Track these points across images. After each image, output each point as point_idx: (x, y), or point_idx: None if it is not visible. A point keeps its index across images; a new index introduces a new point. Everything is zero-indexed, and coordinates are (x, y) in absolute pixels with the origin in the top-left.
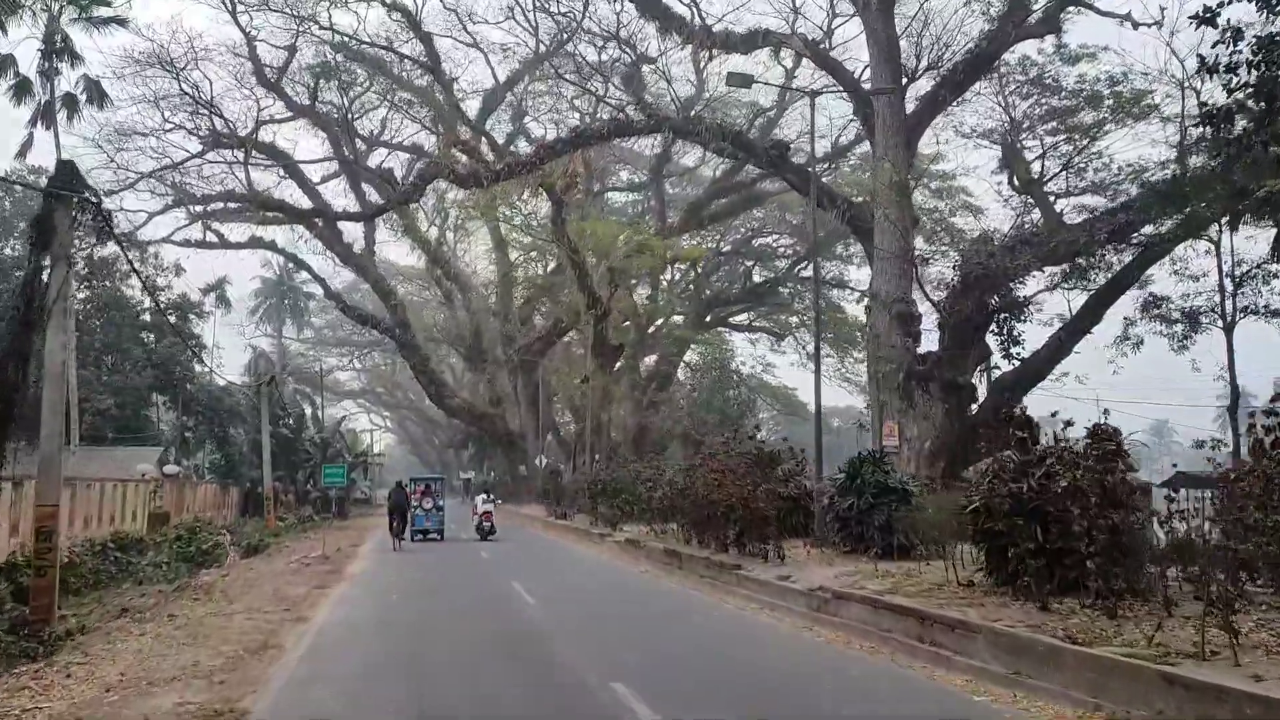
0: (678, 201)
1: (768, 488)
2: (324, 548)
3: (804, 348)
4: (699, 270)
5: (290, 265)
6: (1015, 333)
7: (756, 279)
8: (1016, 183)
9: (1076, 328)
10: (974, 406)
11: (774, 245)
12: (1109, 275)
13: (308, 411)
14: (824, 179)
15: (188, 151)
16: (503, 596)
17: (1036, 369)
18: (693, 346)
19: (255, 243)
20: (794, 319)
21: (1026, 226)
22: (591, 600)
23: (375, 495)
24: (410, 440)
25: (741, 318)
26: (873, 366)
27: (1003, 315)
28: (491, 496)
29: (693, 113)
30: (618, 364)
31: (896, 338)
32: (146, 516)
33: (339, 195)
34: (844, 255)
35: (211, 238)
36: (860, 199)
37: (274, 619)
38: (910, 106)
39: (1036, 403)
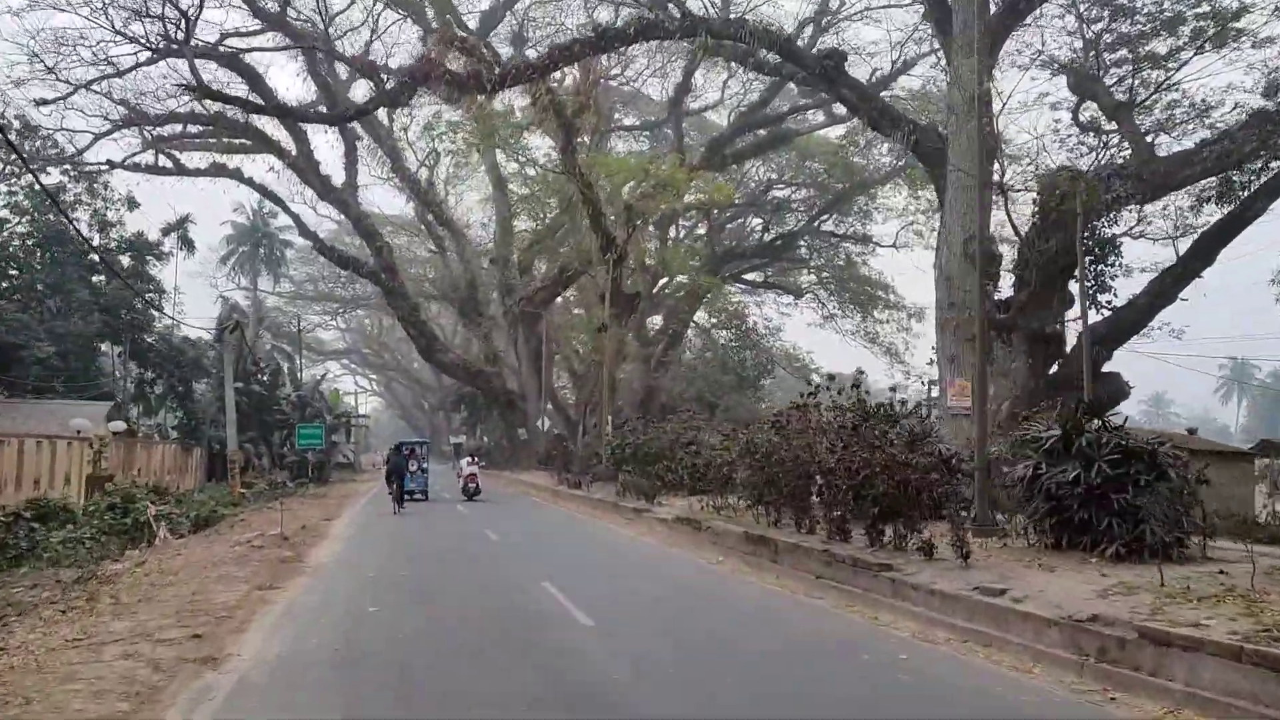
0: (692, 149)
1: (908, 455)
2: (283, 525)
3: (823, 306)
4: (714, 217)
5: (265, 209)
6: (1108, 275)
7: (769, 236)
8: (1100, 109)
9: (1186, 270)
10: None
11: (791, 199)
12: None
13: (284, 368)
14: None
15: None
16: (534, 614)
17: (1133, 319)
18: (703, 304)
19: (218, 170)
20: (809, 277)
21: (1111, 158)
22: (681, 628)
23: (359, 460)
24: (398, 404)
25: (752, 276)
26: (941, 315)
27: (1094, 256)
28: (476, 459)
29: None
30: (632, 316)
31: (971, 281)
32: (84, 480)
33: (316, 133)
34: (864, 209)
35: (166, 163)
36: (926, 120)
37: (165, 660)
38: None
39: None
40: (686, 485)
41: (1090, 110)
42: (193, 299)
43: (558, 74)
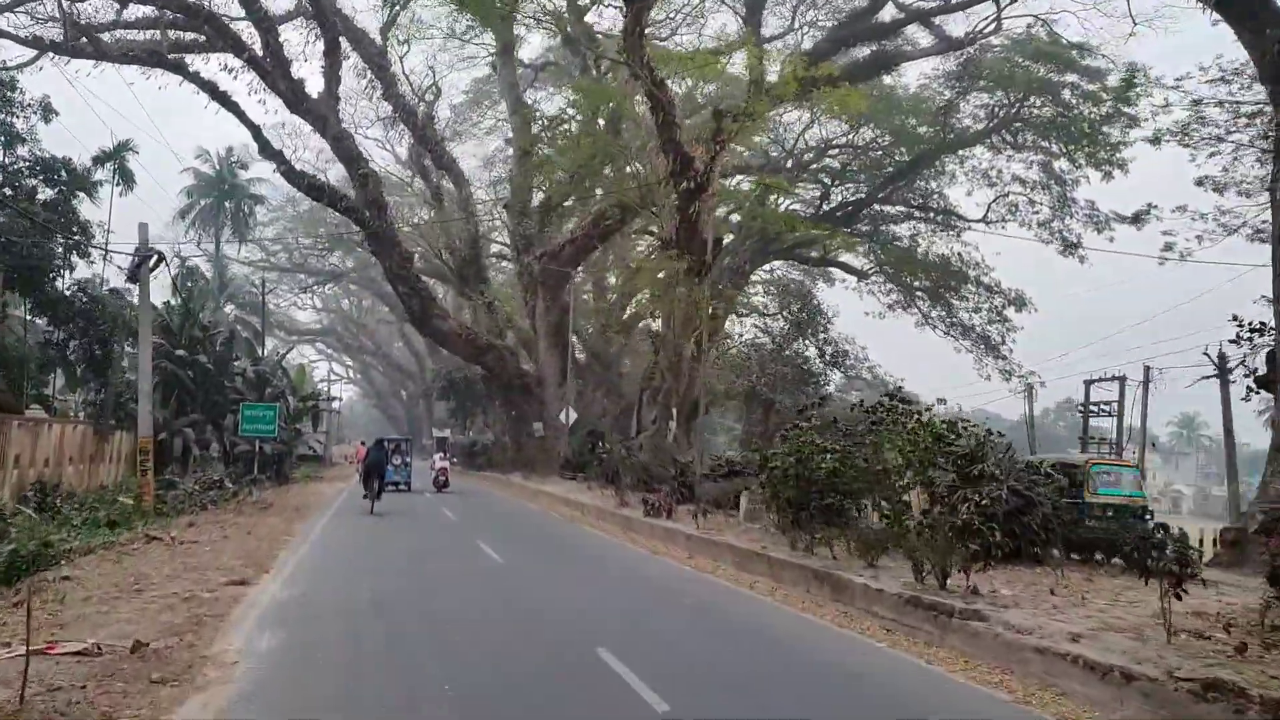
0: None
1: None
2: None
3: (892, 290)
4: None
5: (233, 158)
6: None
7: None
8: None
9: None
10: None
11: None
12: None
13: (244, 338)
14: None
15: None
16: None
17: None
18: (755, 276)
19: (152, 58)
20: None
21: None
22: None
23: (330, 452)
24: (375, 393)
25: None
26: None
27: None
28: (448, 455)
29: None
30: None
31: None
32: None
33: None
34: (940, 170)
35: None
36: None
37: None
38: None
39: None
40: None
41: None
42: (116, 231)
43: None
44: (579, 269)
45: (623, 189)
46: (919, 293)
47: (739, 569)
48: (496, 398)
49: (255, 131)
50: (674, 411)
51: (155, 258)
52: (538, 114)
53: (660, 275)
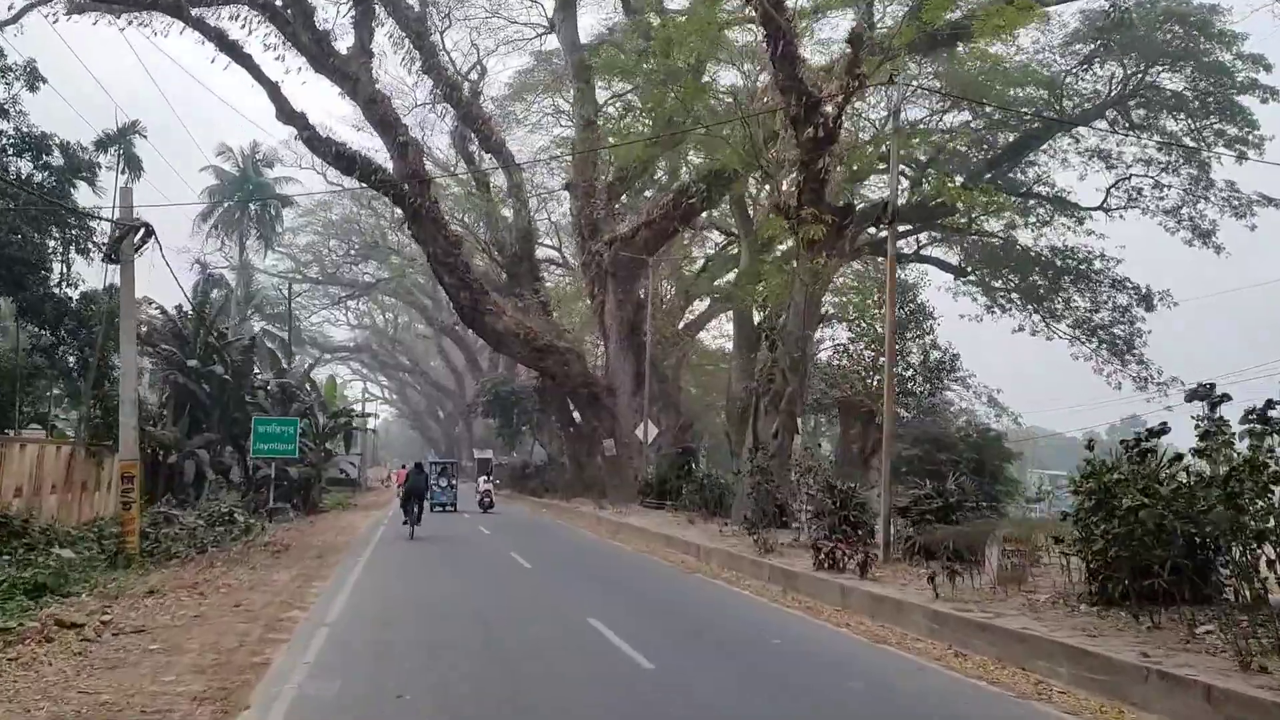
0: None
1: None
2: None
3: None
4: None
5: (259, 155)
6: None
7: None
8: None
9: None
10: None
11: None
12: None
13: (268, 348)
14: None
15: None
16: None
17: None
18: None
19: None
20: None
21: None
22: None
23: (366, 476)
24: (412, 412)
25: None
26: None
27: None
28: (491, 477)
29: None
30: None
31: None
32: None
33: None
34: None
35: None
36: None
37: None
38: None
39: None
40: None
41: None
42: (158, 269)
43: None
44: (661, 254)
45: (720, 148)
46: (1014, 293)
47: (1111, 694)
48: (552, 412)
49: (273, 91)
50: (798, 423)
51: (141, 231)
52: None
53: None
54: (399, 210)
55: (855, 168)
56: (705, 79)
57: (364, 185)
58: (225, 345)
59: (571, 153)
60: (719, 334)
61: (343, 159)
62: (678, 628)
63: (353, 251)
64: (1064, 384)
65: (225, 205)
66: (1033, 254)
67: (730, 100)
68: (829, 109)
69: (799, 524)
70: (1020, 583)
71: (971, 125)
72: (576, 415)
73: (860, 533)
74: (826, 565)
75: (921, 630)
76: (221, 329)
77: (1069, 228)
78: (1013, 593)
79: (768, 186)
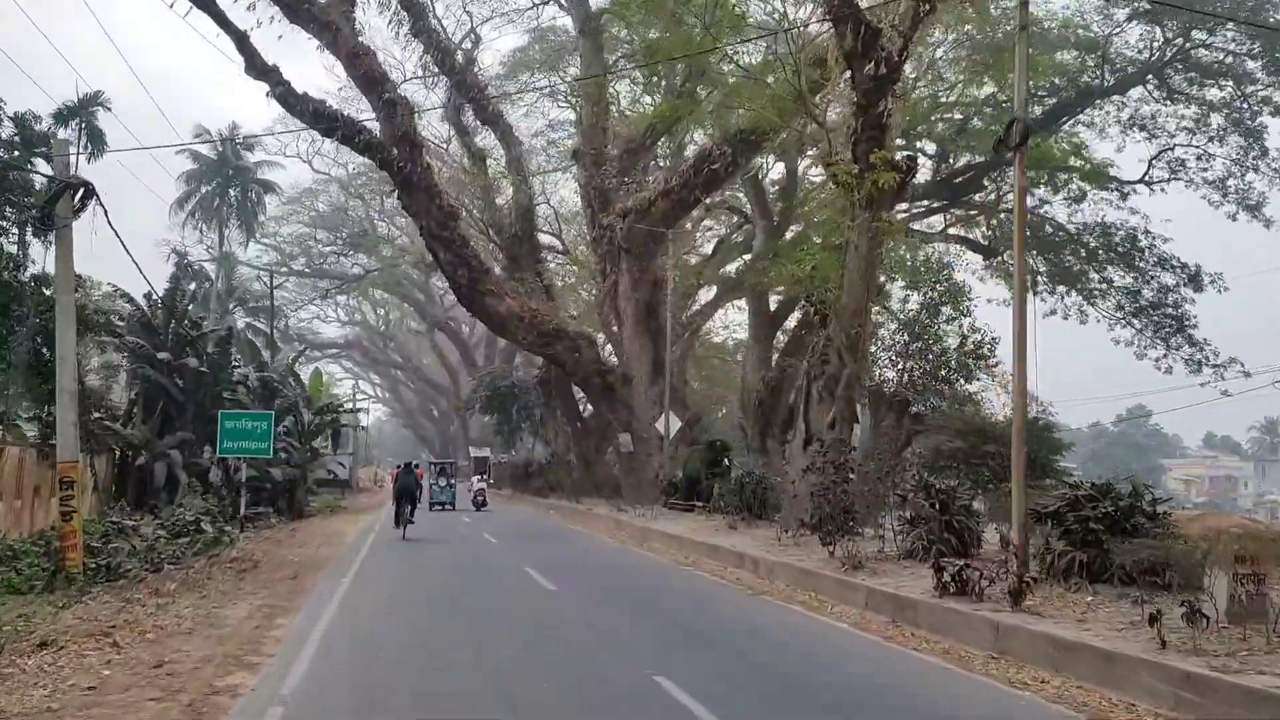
0: None
1: None
2: None
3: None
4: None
5: (237, 138)
6: None
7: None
8: None
9: None
10: None
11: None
12: None
13: (250, 340)
14: None
15: None
16: None
17: None
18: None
19: None
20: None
21: None
22: None
23: (358, 477)
24: (405, 411)
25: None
26: None
27: None
28: (485, 477)
29: None
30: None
31: None
32: None
33: None
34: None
35: None
36: None
37: None
38: None
39: None
40: None
41: None
42: (119, 255)
43: None
44: (677, 228)
45: (757, 96)
46: (1041, 275)
47: None
48: (558, 406)
49: (240, 41)
50: (857, 410)
51: (80, 191)
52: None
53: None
54: (389, 186)
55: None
56: (739, 10)
57: (346, 146)
58: (200, 336)
59: (578, 117)
60: (724, 325)
61: (322, 118)
62: (780, 691)
63: (340, 242)
64: (1071, 373)
65: (203, 190)
66: (1069, 232)
67: (769, 38)
68: (891, 41)
69: (872, 531)
70: (1261, 619)
71: (999, 96)
72: (584, 408)
73: (968, 544)
74: (953, 590)
75: (1163, 700)
76: (196, 318)
77: (1111, 202)
78: (1252, 633)
79: (810, 150)
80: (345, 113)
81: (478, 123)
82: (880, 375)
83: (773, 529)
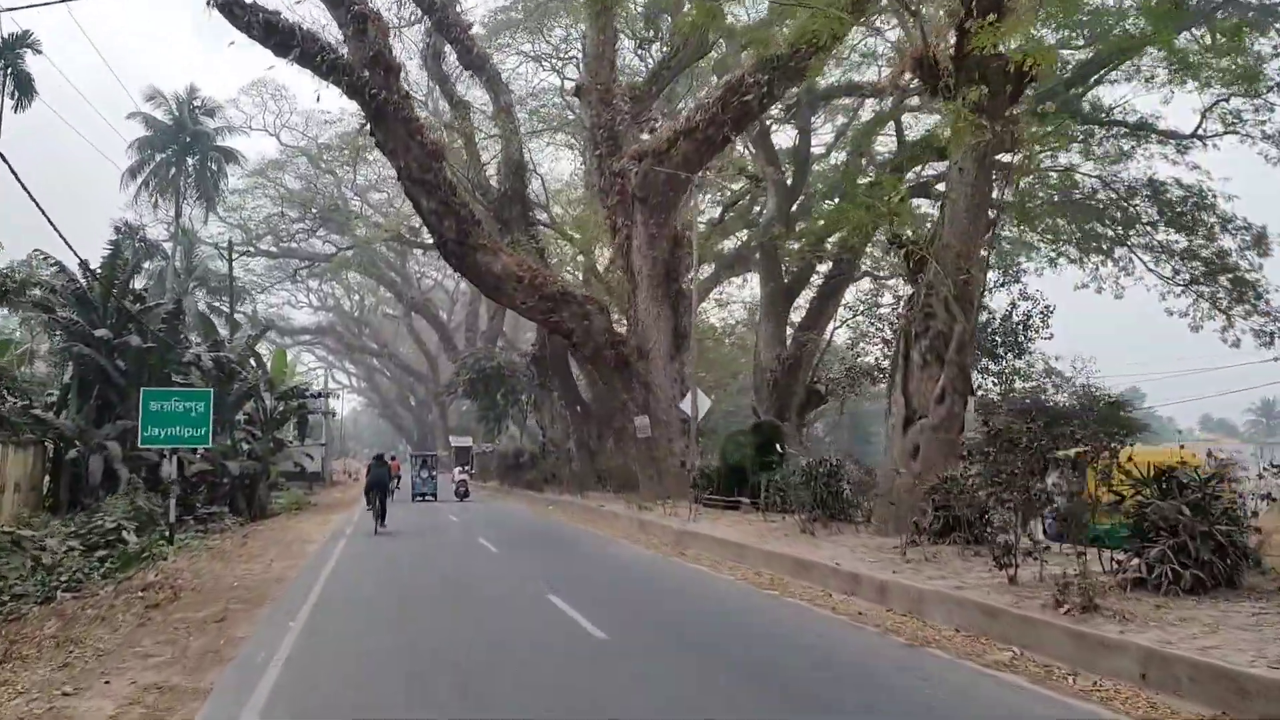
0: None
1: None
2: None
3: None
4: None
5: (195, 102)
6: None
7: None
8: None
9: None
10: None
11: None
12: None
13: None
14: None
15: None
16: None
17: None
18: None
19: None
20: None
21: None
22: None
23: (330, 468)
24: (381, 400)
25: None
26: None
27: None
28: (468, 467)
29: None
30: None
31: None
32: None
33: None
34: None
35: None
36: None
37: None
38: None
39: None
40: None
41: None
42: (78, 227)
43: None
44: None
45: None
46: (1071, 244)
47: None
48: (554, 387)
49: None
50: (970, 381)
51: None
52: None
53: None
54: (363, 143)
55: None
56: None
57: (307, 69)
58: (144, 311)
59: (581, 48)
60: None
61: (275, 32)
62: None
63: (310, 219)
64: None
65: (158, 159)
66: (1116, 192)
67: None
68: None
69: (1016, 539)
70: None
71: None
72: (584, 391)
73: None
74: None
75: None
76: (139, 291)
77: (1166, 157)
78: None
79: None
80: (303, 26)
81: (460, 71)
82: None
83: (860, 534)
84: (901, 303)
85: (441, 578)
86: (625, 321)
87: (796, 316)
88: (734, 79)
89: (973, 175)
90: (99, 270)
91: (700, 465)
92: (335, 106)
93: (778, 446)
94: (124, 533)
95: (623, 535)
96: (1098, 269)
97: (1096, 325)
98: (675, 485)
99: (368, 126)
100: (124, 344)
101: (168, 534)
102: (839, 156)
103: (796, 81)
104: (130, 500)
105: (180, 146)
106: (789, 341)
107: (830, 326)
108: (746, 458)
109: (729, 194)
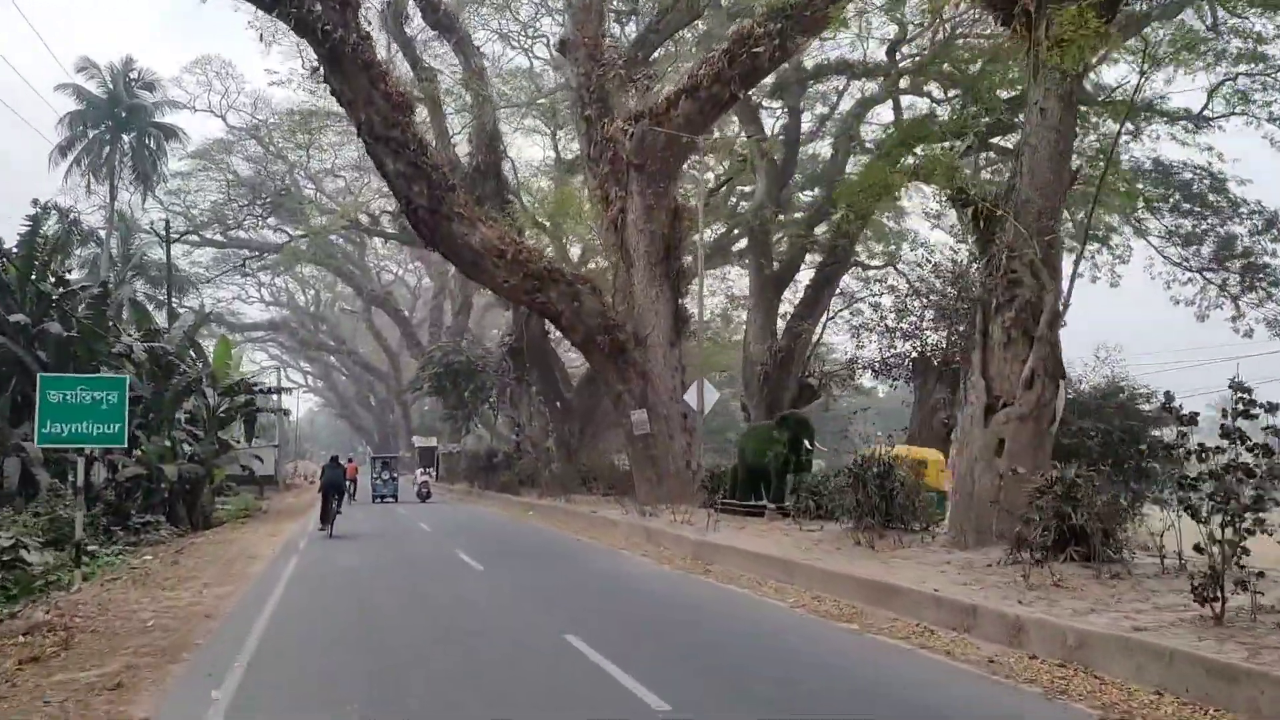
0: None
1: None
2: None
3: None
4: None
5: (131, 73)
6: None
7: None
8: None
9: None
10: None
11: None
12: None
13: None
14: None
15: None
16: None
17: None
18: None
19: None
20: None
21: None
22: None
23: (284, 471)
24: (339, 400)
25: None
26: None
27: None
28: (429, 470)
29: None
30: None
31: None
32: None
33: None
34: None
35: None
36: None
37: None
38: None
39: None
40: None
41: None
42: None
43: None
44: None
45: None
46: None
47: None
48: (533, 381)
49: None
50: (1062, 362)
51: None
52: None
53: None
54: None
55: None
56: None
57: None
58: (67, 296)
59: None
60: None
61: None
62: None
63: (259, 205)
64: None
65: (90, 135)
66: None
67: None
68: None
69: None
70: None
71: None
72: (563, 386)
73: None
74: None
75: None
76: (61, 274)
77: (1174, 137)
78: None
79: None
80: None
81: (426, 34)
82: (927, 340)
83: (930, 548)
84: (974, 269)
85: (419, 608)
86: (617, 304)
87: (786, 308)
88: (743, 29)
89: (1057, 117)
90: (15, 250)
91: (709, 466)
92: (284, 68)
93: (806, 443)
94: (24, 552)
95: (626, 546)
96: (1093, 258)
97: (1095, 322)
98: (678, 487)
99: (321, 71)
100: (43, 331)
101: (74, 554)
102: (823, 147)
103: (814, 33)
104: (50, 509)
105: (116, 122)
106: (779, 333)
107: (824, 318)
108: (775, 456)
109: (713, 177)
